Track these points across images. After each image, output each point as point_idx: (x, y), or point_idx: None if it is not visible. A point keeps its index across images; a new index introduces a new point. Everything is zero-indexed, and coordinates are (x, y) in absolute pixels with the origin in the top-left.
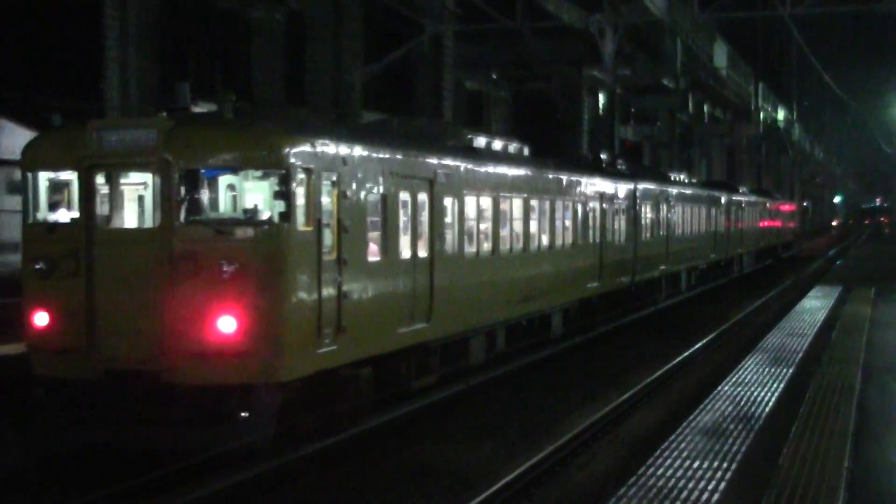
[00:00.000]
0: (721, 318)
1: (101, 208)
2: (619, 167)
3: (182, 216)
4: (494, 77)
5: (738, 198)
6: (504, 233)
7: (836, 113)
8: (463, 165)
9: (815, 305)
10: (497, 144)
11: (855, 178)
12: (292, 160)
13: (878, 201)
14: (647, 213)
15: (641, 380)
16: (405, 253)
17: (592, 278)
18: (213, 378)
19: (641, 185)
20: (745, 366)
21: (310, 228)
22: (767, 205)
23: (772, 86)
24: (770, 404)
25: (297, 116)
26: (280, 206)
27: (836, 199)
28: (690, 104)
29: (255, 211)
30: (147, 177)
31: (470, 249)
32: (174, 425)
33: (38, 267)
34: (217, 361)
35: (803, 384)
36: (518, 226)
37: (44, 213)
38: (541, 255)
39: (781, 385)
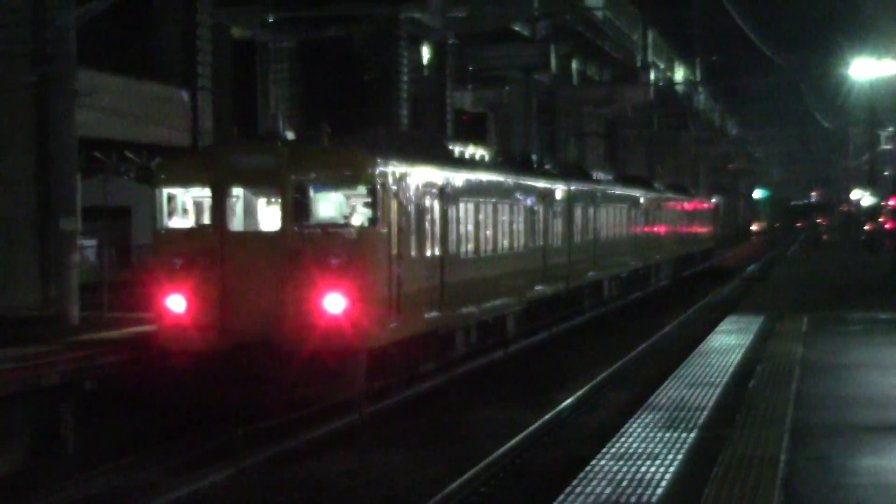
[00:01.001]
0: (598, 359)
1: (237, 213)
2: (546, 166)
3: (297, 221)
4: (272, 20)
5: (655, 196)
6: (487, 234)
7: (756, 74)
8: (459, 175)
9: (728, 343)
10: (468, 152)
11: (783, 165)
12: (377, 178)
13: (813, 196)
14: (578, 215)
15: (489, 451)
16: (429, 251)
17: (540, 280)
18: (321, 346)
19: (574, 187)
20: (631, 431)
21: (385, 230)
22: (685, 204)
23: (668, 35)
24: (664, 485)
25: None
26: (368, 213)
27: (758, 194)
28: (553, 60)
29: (350, 216)
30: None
31: (466, 248)
32: (290, 384)
33: (176, 262)
34: (325, 333)
35: (710, 455)
36: (497, 228)
37: (174, 222)
38: (529, 254)
39: (680, 457)
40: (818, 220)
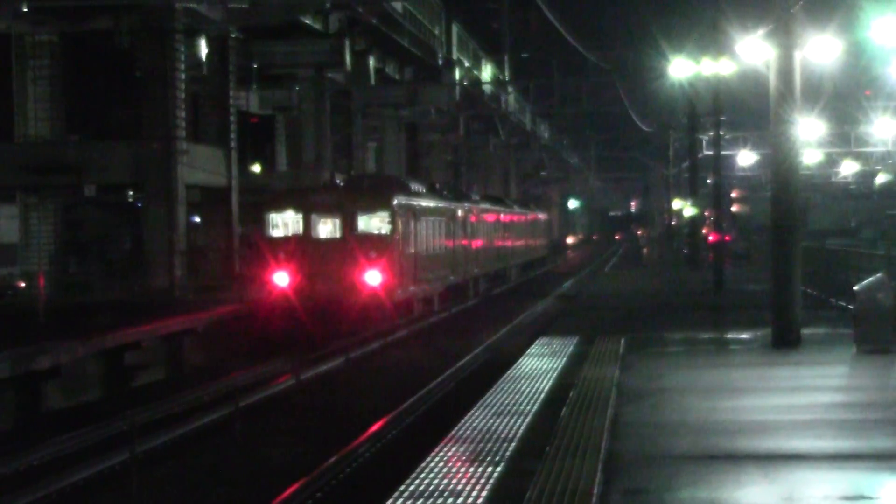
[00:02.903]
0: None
1: (314, 226)
2: (444, 192)
3: (351, 232)
4: (28, 10)
5: (509, 211)
6: (449, 240)
7: (570, 73)
8: (418, 202)
9: (540, 367)
10: (418, 186)
11: (600, 173)
12: (394, 207)
13: (632, 206)
14: (468, 227)
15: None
16: (411, 250)
17: (451, 273)
18: (366, 302)
19: (464, 206)
20: (431, 466)
21: (398, 237)
22: (528, 217)
23: (474, 30)
24: None
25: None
26: (389, 227)
27: (572, 204)
28: (348, 56)
29: (380, 229)
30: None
31: (435, 250)
32: (348, 322)
33: (280, 255)
34: (368, 295)
35: (517, 491)
36: (434, 237)
37: (277, 231)
38: (447, 253)
39: (485, 493)
40: (638, 232)
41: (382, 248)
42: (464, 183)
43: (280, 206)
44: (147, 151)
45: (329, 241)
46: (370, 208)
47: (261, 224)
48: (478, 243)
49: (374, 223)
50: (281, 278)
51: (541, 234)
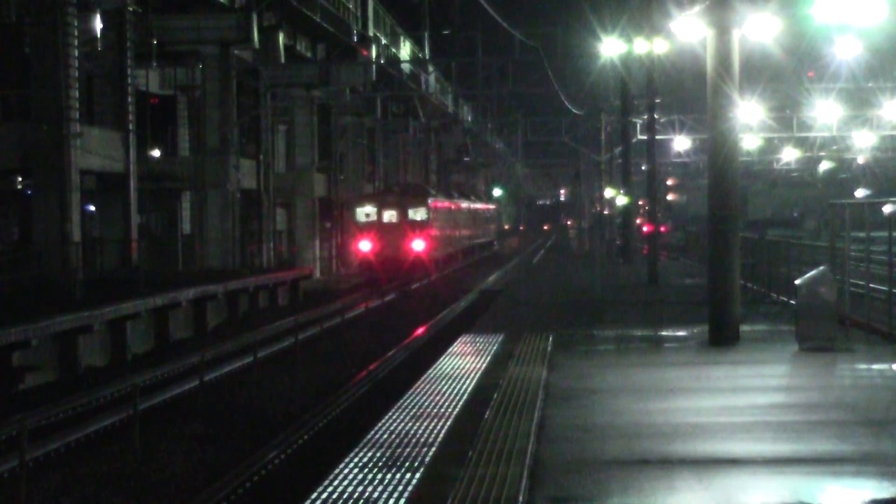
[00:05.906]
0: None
1: (384, 215)
2: (436, 190)
3: (405, 217)
4: None
5: (472, 203)
6: (451, 224)
7: (494, 52)
8: (436, 198)
9: (462, 367)
10: (432, 189)
11: (528, 159)
12: (429, 203)
13: (561, 195)
14: (455, 215)
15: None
16: (436, 230)
17: (448, 246)
18: (414, 260)
19: (453, 200)
20: (344, 473)
21: (431, 221)
22: (483, 207)
23: (391, 4)
24: None
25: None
26: (426, 216)
27: (496, 192)
28: (255, 32)
29: (421, 216)
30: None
31: (446, 230)
32: (406, 270)
33: (365, 232)
34: (415, 256)
35: (437, 499)
36: (444, 222)
37: (361, 218)
38: (459, 234)
39: (402, 501)
40: (568, 223)
41: (423, 228)
42: (381, 169)
43: (363, 204)
44: (36, 134)
45: (392, 224)
46: (415, 204)
47: (351, 214)
48: (460, 227)
49: (418, 213)
50: (364, 245)
51: (493, 221)
